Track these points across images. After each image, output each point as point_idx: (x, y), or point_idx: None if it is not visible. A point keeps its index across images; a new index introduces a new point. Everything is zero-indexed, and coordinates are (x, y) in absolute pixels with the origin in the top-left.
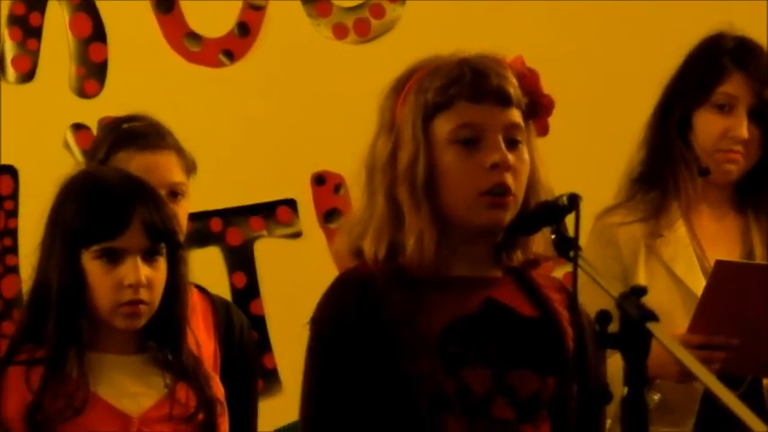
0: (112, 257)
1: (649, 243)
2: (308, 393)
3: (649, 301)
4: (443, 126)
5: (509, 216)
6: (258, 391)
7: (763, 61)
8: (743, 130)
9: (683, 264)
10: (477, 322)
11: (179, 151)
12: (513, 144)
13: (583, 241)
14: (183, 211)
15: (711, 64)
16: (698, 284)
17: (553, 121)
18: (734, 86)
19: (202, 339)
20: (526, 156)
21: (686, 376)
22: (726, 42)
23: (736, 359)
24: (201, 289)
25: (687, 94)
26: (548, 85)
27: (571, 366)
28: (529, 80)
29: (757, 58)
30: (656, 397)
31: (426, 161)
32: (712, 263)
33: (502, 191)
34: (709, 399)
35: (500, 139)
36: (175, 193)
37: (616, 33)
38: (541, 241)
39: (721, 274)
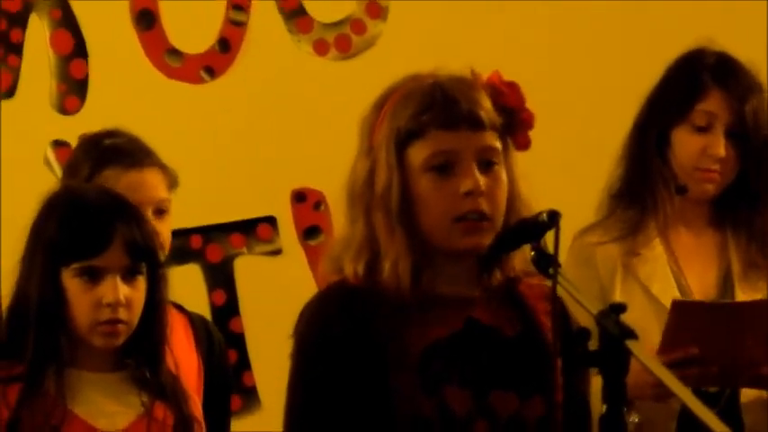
0: (92, 276)
1: (626, 262)
2: (292, 407)
3: (626, 319)
4: (417, 154)
5: (487, 239)
6: (234, 409)
7: (742, 78)
8: (721, 148)
9: (659, 282)
10: (458, 342)
11: (162, 168)
12: (488, 166)
13: (562, 259)
14: (167, 227)
15: (691, 81)
16: None
17: (534, 135)
18: (713, 104)
19: (185, 357)
20: (503, 176)
21: (663, 395)
22: (706, 58)
23: (710, 377)
24: (179, 307)
25: (666, 111)
26: (529, 100)
27: (557, 384)
28: (506, 96)
29: (737, 76)
30: (635, 419)
31: (401, 188)
32: (690, 281)
33: (477, 217)
34: (686, 419)
35: (473, 164)
36: (161, 211)
37: (601, 45)
38: (522, 258)
39: (680, 313)
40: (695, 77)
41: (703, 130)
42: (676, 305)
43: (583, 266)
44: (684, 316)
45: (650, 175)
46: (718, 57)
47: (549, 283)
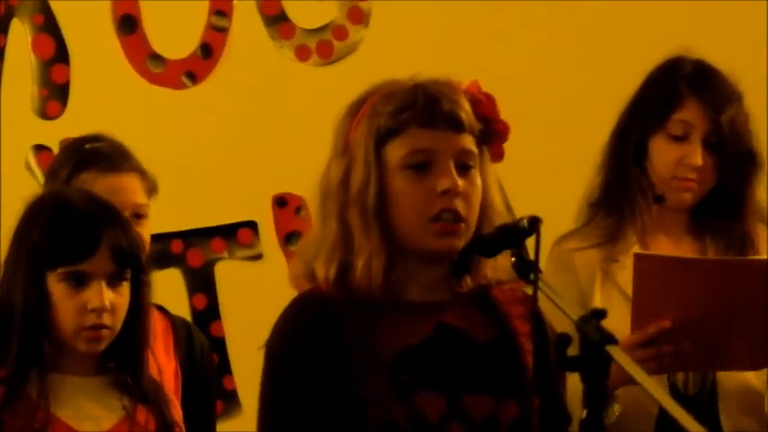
0: (78, 281)
1: (605, 268)
2: (264, 415)
3: (606, 324)
4: (395, 151)
5: (461, 243)
6: (216, 412)
7: (719, 88)
8: (697, 157)
9: None
10: (429, 347)
11: (141, 173)
12: (464, 169)
13: (543, 265)
14: (145, 232)
15: (668, 90)
16: None
17: (513, 143)
18: (689, 114)
19: (162, 360)
20: (478, 181)
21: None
22: (684, 67)
23: (689, 356)
24: (162, 309)
25: (643, 119)
26: (511, 105)
27: (531, 386)
28: (484, 106)
29: (714, 85)
30: (617, 409)
31: (377, 185)
32: None
33: (452, 217)
34: (664, 420)
35: (451, 164)
36: (139, 215)
37: (586, 51)
38: (493, 265)
39: (643, 269)
40: (672, 86)
41: (680, 139)
42: (638, 258)
43: (562, 272)
44: (649, 270)
45: (628, 184)
46: (696, 65)
47: (526, 288)
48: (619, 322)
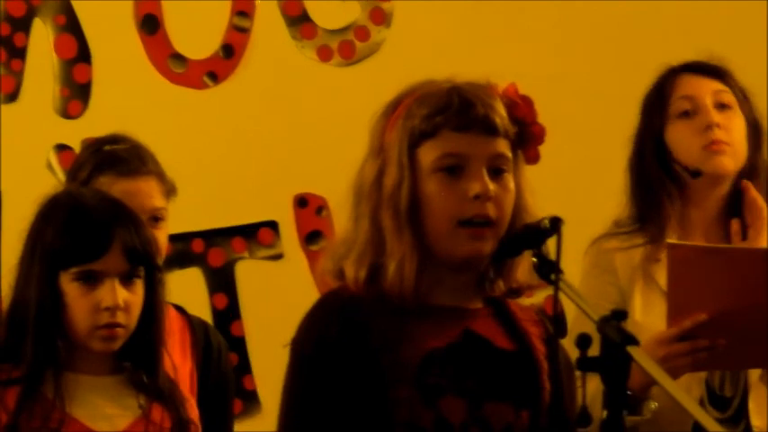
0: (91, 280)
1: (646, 267)
2: (287, 414)
3: (646, 325)
4: (428, 154)
5: (489, 247)
6: (234, 412)
7: (707, 62)
8: (711, 116)
9: None
10: (455, 353)
11: (159, 176)
12: (497, 173)
13: (564, 264)
14: (163, 234)
15: (659, 84)
16: None
17: (546, 146)
18: (688, 87)
19: (178, 360)
20: (511, 185)
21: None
22: (669, 67)
23: (724, 353)
24: (180, 309)
25: (650, 120)
26: (539, 109)
27: (545, 402)
28: (520, 108)
29: (702, 62)
30: (653, 405)
31: (410, 188)
32: None
33: (483, 221)
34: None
35: (483, 169)
36: (156, 218)
37: (611, 53)
38: (526, 270)
39: (676, 258)
40: (662, 80)
41: (690, 114)
42: (671, 248)
43: (602, 272)
44: (684, 260)
45: (652, 190)
46: (683, 62)
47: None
48: (657, 322)
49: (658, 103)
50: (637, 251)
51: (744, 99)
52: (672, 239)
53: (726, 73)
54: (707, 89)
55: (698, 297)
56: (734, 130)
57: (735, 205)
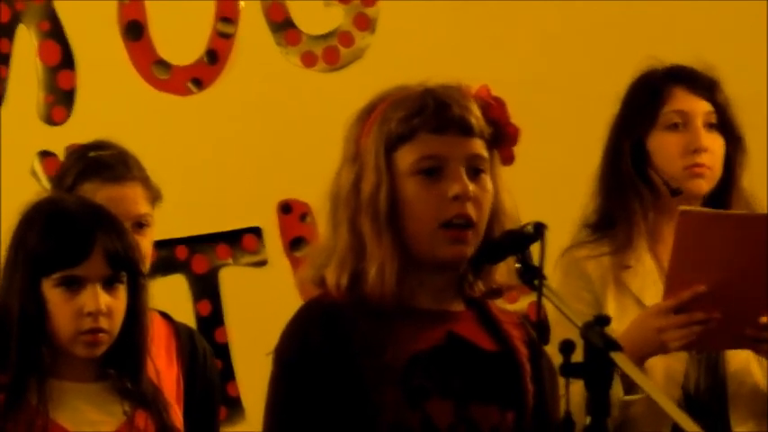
0: (73, 285)
1: (617, 275)
2: (271, 422)
3: (621, 331)
4: (406, 157)
5: (470, 250)
6: (220, 418)
7: (700, 75)
8: (701, 140)
9: (652, 295)
10: (439, 355)
11: (144, 182)
12: (475, 174)
13: (547, 270)
14: (148, 240)
15: (651, 88)
16: None
17: (520, 146)
18: (681, 102)
19: (164, 366)
20: (489, 185)
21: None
22: (658, 69)
23: (714, 331)
24: (165, 315)
25: (634, 123)
26: (516, 111)
27: (529, 403)
28: (494, 110)
29: (694, 72)
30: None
31: (388, 191)
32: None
33: (463, 222)
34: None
35: (462, 169)
36: (141, 224)
37: (592, 59)
38: (504, 270)
39: (686, 226)
40: (654, 84)
41: (679, 127)
42: (683, 214)
43: (576, 278)
44: (691, 226)
45: (627, 193)
46: (669, 65)
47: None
48: None
49: (647, 109)
50: (607, 258)
51: (728, 118)
52: (683, 206)
53: (716, 87)
54: (700, 109)
55: (699, 266)
56: (716, 154)
57: None
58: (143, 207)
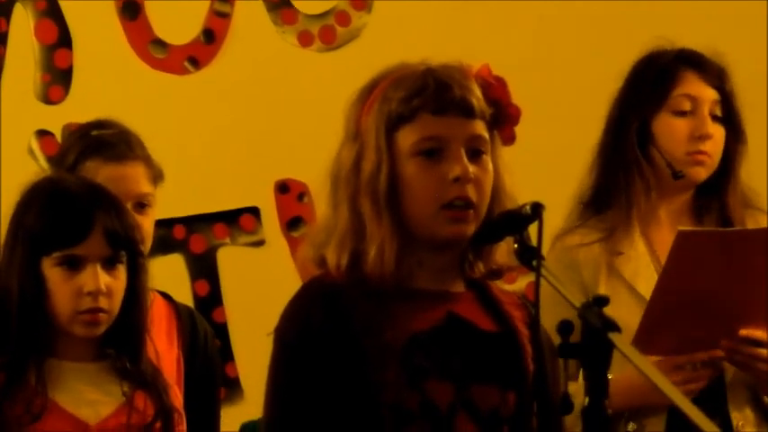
0: (73, 265)
1: (609, 261)
2: (272, 402)
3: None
4: (407, 138)
5: (471, 229)
6: (220, 398)
7: (711, 61)
8: (707, 128)
9: (644, 281)
10: (439, 335)
11: (147, 161)
12: (476, 155)
13: (545, 250)
14: (149, 220)
15: (662, 68)
16: None
17: (520, 129)
18: (691, 87)
19: (164, 347)
20: (490, 166)
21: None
22: (668, 51)
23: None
24: (166, 296)
25: (642, 102)
26: (515, 93)
27: (530, 383)
28: (495, 89)
29: (705, 58)
30: (631, 427)
31: (389, 172)
32: None
33: (463, 203)
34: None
35: (462, 151)
36: (142, 204)
37: (589, 40)
38: (505, 251)
39: (685, 245)
40: (665, 65)
41: (687, 113)
42: (682, 235)
43: (565, 269)
44: (688, 247)
45: (629, 172)
46: (679, 48)
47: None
48: (625, 315)
49: (657, 90)
50: (598, 245)
51: (733, 108)
52: (682, 227)
53: (725, 76)
54: (708, 97)
55: (687, 282)
56: (718, 143)
57: (698, 205)
58: (145, 186)
